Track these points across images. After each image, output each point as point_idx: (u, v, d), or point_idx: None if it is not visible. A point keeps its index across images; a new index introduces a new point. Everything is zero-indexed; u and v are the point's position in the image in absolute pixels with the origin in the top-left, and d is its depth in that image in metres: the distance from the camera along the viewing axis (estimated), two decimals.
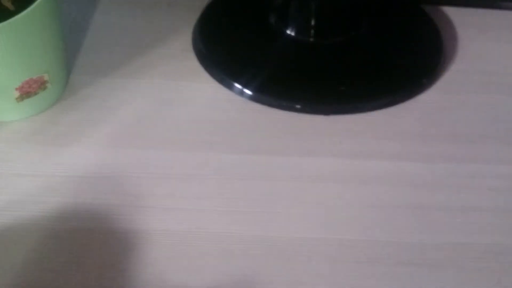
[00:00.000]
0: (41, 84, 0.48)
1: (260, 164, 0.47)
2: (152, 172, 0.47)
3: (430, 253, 0.43)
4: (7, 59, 0.44)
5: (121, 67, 0.54)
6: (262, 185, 0.46)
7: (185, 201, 0.45)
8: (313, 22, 0.55)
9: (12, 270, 0.41)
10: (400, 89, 0.51)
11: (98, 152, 0.48)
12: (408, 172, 0.47)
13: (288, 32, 0.55)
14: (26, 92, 0.48)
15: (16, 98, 0.48)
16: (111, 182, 0.46)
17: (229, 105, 0.51)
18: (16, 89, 0.47)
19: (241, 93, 0.52)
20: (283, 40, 0.55)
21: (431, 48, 0.56)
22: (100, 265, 0.42)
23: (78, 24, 0.58)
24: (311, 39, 0.55)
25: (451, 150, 0.49)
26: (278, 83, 0.52)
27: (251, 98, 0.51)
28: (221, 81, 0.53)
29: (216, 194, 0.45)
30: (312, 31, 0.55)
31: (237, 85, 0.52)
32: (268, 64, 0.53)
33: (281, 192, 0.46)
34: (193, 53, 0.55)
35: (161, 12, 0.59)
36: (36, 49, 0.46)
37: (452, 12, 0.60)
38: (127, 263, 0.42)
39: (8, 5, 0.45)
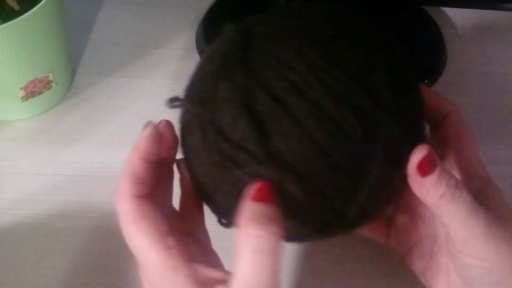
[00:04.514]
0: (46, 84, 0.49)
1: None
2: None
3: None
4: (12, 59, 0.44)
5: (125, 67, 0.54)
6: None
7: None
8: None
9: (15, 268, 0.42)
10: None
11: (102, 151, 0.48)
12: None
13: None
14: (31, 91, 0.48)
15: (21, 98, 0.48)
16: (115, 181, 0.46)
17: None
18: (21, 88, 0.47)
19: None
20: None
21: (432, 49, 0.56)
22: (103, 263, 0.42)
23: (82, 24, 0.58)
24: None
25: None
26: None
27: None
28: None
29: None
30: None
31: None
32: None
33: None
34: (197, 53, 0.56)
35: (165, 12, 0.59)
36: (41, 49, 0.46)
37: (454, 13, 0.61)
38: (131, 261, 0.42)
39: (13, 5, 0.46)
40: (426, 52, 0.56)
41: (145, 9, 0.60)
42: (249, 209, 0.28)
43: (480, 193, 0.33)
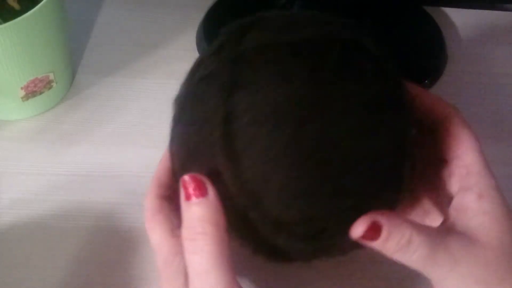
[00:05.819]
0: (47, 83, 0.49)
1: None
2: None
3: None
4: (13, 58, 0.44)
5: (125, 67, 0.54)
6: None
7: None
8: None
9: (15, 268, 0.42)
10: None
11: (102, 151, 0.48)
12: None
13: None
14: (32, 91, 0.48)
15: (22, 97, 0.48)
16: (116, 181, 0.46)
17: None
18: (22, 88, 0.47)
19: None
20: None
21: (433, 49, 0.56)
22: (104, 263, 0.42)
23: (83, 23, 0.58)
24: None
25: None
26: None
27: None
28: None
29: None
30: None
31: None
32: None
33: None
34: (198, 53, 0.55)
35: (166, 12, 0.59)
36: (41, 49, 0.46)
37: (454, 14, 0.61)
38: (131, 261, 0.42)
39: (14, 4, 0.46)
40: (426, 52, 0.56)
41: (145, 9, 0.60)
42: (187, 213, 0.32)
43: (473, 209, 0.32)
